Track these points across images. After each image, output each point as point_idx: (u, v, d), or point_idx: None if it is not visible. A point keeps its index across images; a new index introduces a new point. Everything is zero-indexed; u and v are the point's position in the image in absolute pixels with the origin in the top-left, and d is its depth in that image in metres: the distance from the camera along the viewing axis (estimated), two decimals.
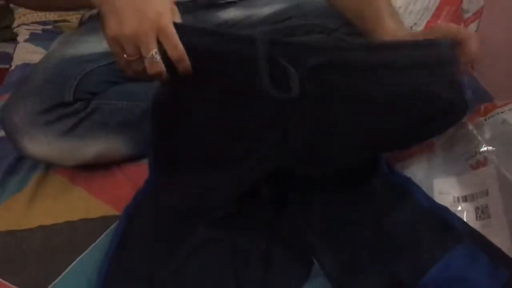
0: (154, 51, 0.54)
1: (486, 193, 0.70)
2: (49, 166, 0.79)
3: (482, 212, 0.70)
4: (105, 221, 0.71)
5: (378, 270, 0.65)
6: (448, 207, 0.71)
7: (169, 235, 0.68)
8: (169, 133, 0.68)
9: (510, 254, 0.65)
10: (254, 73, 0.59)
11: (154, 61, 0.54)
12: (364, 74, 0.62)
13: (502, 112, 0.75)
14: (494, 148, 0.71)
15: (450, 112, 0.68)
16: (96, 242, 0.68)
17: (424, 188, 0.74)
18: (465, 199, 0.72)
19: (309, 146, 0.67)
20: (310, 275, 0.67)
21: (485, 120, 0.75)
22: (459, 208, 0.71)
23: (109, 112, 0.76)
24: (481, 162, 0.72)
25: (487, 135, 0.73)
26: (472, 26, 0.97)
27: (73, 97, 0.73)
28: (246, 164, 0.67)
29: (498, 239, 0.66)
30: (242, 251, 0.67)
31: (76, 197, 0.75)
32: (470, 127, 0.75)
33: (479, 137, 0.73)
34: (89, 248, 0.67)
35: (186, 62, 0.57)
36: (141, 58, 0.55)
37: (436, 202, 0.71)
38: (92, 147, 0.74)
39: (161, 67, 0.56)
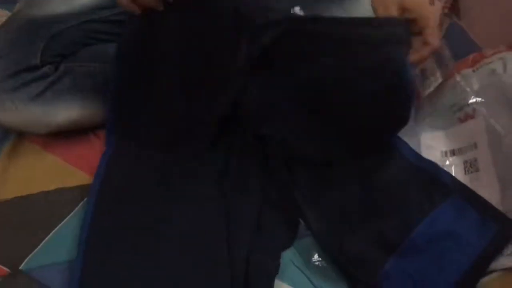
0: None
1: (475, 146, 0.69)
2: (21, 135, 0.75)
3: (470, 166, 0.68)
4: (82, 189, 0.68)
5: (365, 228, 0.63)
6: (437, 161, 0.69)
7: (152, 192, 0.66)
8: (136, 70, 0.70)
9: (500, 207, 0.64)
10: None
11: None
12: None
13: (491, 62, 0.72)
14: (483, 100, 0.69)
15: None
16: (74, 211, 0.66)
17: (411, 143, 0.72)
18: (453, 153, 0.70)
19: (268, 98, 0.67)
20: (297, 236, 0.66)
21: (473, 71, 0.73)
22: (447, 162, 0.70)
23: (81, 75, 0.71)
24: (470, 114, 0.70)
25: (476, 86, 0.70)
26: None
27: (41, 60, 0.68)
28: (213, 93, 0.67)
29: (487, 193, 0.65)
30: (233, 211, 0.65)
31: (51, 166, 0.71)
32: (458, 78, 0.72)
33: (467, 89, 0.70)
34: (67, 218, 0.65)
35: None
36: None
37: (424, 158, 0.69)
38: (64, 113, 0.70)
39: None
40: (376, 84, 0.61)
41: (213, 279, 0.59)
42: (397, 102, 0.64)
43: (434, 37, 0.62)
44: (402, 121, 0.66)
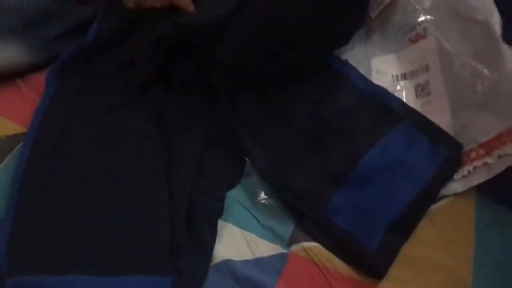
0: None
1: (426, 68, 0.65)
2: None
3: (422, 90, 0.65)
4: (11, 140, 0.62)
5: (312, 162, 0.61)
6: (387, 87, 0.66)
7: (89, 137, 0.62)
8: None
9: (450, 131, 0.61)
10: None
11: None
12: None
13: None
14: (433, 17, 0.65)
15: None
16: (3, 163, 0.61)
17: (361, 69, 0.68)
18: (404, 76, 0.67)
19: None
20: (243, 174, 0.62)
21: None
22: (398, 87, 0.66)
23: None
24: (421, 34, 0.66)
25: (427, 3, 0.66)
26: None
27: None
28: None
29: (439, 116, 0.62)
30: (175, 151, 0.61)
31: None
32: None
33: (417, 6, 0.66)
34: None
35: None
36: None
37: (374, 84, 0.66)
38: None
39: None
40: None
41: (154, 222, 0.56)
42: None
43: None
44: (356, 16, 0.63)
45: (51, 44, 0.69)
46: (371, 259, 0.55)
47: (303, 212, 0.58)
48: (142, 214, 0.57)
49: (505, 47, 0.58)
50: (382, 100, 0.64)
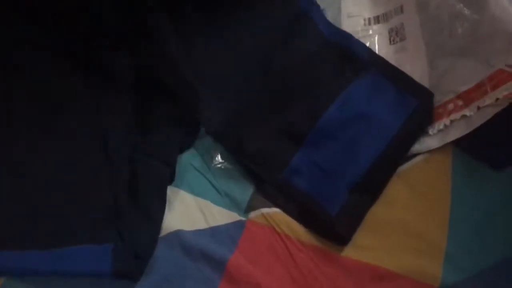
0: None
1: (401, 9, 0.58)
2: None
3: (396, 34, 0.58)
4: None
5: (269, 121, 0.54)
6: (359, 31, 0.60)
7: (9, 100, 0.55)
8: None
9: (427, 79, 0.55)
10: None
11: None
12: None
13: None
14: None
15: None
16: None
17: (331, 12, 0.61)
18: (377, 20, 0.60)
19: None
20: (196, 136, 0.56)
21: None
22: (371, 31, 0.60)
23: None
24: None
25: None
26: None
27: None
28: None
29: (414, 64, 0.56)
30: (109, 113, 0.54)
31: None
32: None
33: None
34: None
35: None
36: None
37: (340, 30, 0.59)
38: None
39: None
40: None
41: (92, 188, 0.50)
42: None
43: None
44: None
45: None
46: (334, 223, 0.50)
47: (261, 175, 0.53)
48: (78, 178, 0.51)
49: None
50: (347, 47, 0.56)
